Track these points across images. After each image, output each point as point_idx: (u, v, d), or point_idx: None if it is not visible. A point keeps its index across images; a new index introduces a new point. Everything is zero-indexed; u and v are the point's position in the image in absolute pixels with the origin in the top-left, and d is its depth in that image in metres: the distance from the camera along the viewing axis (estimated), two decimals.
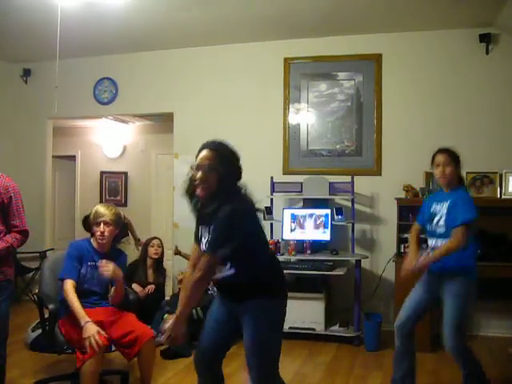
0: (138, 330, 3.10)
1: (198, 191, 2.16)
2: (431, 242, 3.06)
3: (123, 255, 3.43)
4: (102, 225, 3.19)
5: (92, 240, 3.29)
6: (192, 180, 2.21)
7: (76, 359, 2.91)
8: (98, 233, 3.20)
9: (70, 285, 3.09)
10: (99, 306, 3.20)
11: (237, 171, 2.23)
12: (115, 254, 3.34)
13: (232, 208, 2.09)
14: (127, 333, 3.07)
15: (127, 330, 3.09)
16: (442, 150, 3.03)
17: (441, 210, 2.99)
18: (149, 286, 4.74)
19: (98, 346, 2.82)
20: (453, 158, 3.00)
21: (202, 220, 2.27)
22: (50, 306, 3.04)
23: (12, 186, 2.88)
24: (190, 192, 2.25)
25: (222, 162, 2.15)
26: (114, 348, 3.12)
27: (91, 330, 2.87)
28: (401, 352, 3.08)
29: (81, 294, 3.12)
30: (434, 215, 3.02)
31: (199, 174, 2.14)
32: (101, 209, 3.24)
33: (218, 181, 2.13)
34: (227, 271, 2.19)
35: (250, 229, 2.17)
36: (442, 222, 2.95)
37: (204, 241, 2.23)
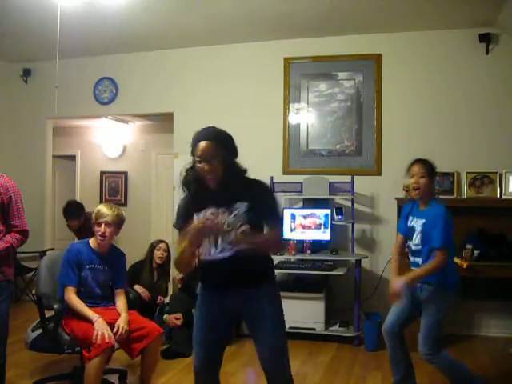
0: (148, 326, 3.13)
1: (208, 181, 2.20)
2: (411, 258, 3.06)
3: (122, 256, 3.42)
4: (103, 225, 3.17)
5: (91, 241, 3.27)
6: (195, 172, 2.24)
7: (76, 358, 2.91)
8: (99, 233, 3.18)
9: (71, 292, 3.10)
10: (102, 305, 3.21)
11: (235, 151, 2.30)
12: (114, 255, 3.33)
13: (264, 183, 2.28)
14: (137, 328, 3.09)
15: (137, 325, 3.11)
16: (418, 161, 3.01)
17: (416, 226, 2.97)
18: (161, 298, 4.70)
19: (105, 339, 2.84)
20: (428, 169, 2.97)
21: (209, 204, 2.19)
22: (55, 306, 3.05)
23: (12, 185, 2.88)
24: (189, 181, 2.28)
25: (222, 148, 2.22)
26: (116, 346, 3.12)
27: (102, 324, 2.92)
28: (393, 356, 3.11)
29: (83, 296, 3.13)
30: (412, 231, 3.01)
31: (205, 166, 2.18)
32: (103, 209, 3.22)
33: (223, 166, 2.20)
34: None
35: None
36: (417, 241, 2.95)
37: (227, 218, 2.15)
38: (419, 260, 2.97)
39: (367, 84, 5.02)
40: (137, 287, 4.63)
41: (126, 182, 7.39)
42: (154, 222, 7.05)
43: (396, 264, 3.10)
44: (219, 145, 2.22)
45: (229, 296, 2.27)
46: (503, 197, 4.56)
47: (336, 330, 4.57)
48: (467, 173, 4.64)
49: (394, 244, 3.23)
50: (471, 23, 4.62)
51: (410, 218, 3.06)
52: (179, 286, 4.74)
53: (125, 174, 7.41)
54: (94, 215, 3.22)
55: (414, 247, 3.00)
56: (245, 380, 3.70)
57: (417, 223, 2.97)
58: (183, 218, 2.23)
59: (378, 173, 4.98)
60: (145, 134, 7.34)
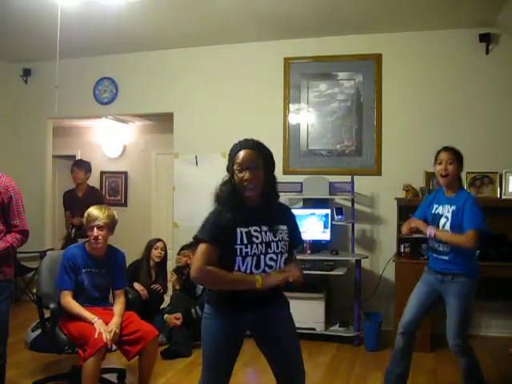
0: (143, 329, 3.11)
1: (247, 192, 2.12)
2: (433, 244, 3.04)
3: (121, 254, 3.39)
4: (95, 229, 3.14)
5: (87, 245, 3.25)
6: (231, 183, 2.14)
7: (75, 358, 2.91)
8: (92, 237, 3.15)
9: (67, 296, 3.11)
10: (100, 306, 3.21)
11: (274, 166, 2.22)
12: (112, 257, 3.31)
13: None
14: (133, 331, 3.08)
15: (133, 328, 3.10)
16: (446, 148, 3.04)
17: (444, 213, 2.98)
18: (156, 286, 4.73)
19: (103, 339, 2.87)
20: (456, 156, 3.00)
21: (250, 220, 2.13)
22: (51, 306, 3.05)
23: (12, 185, 2.88)
24: (225, 196, 2.14)
25: (263, 160, 2.15)
26: (114, 348, 3.12)
27: (101, 325, 2.95)
28: (402, 350, 3.09)
29: (81, 298, 3.14)
30: (437, 217, 3.00)
31: (246, 174, 2.09)
32: (94, 212, 3.18)
33: (265, 179, 2.14)
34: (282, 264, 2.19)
35: None
36: (447, 227, 2.95)
37: (270, 240, 2.13)
38: (445, 247, 2.94)
39: (367, 84, 5.02)
40: (136, 285, 4.65)
41: (126, 182, 7.39)
42: (154, 222, 7.05)
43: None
44: (261, 155, 2.14)
45: (245, 315, 2.18)
46: (503, 197, 4.56)
47: (336, 330, 4.57)
48: (467, 173, 4.63)
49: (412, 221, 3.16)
50: (471, 23, 4.62)
51: (435, 205, 3.05)
52: (177, 287, 4.74)
53: (125, 173, 7.40)
54: (85, 220, 3.20)
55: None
56: (245, 380, 3.70)
57: (445, 210, 2.97)
58: (221, 231, 2.08)
59: (378, 173, 4.98)
60: (145, 134, 7.34)
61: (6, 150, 5.95)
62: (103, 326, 2.95)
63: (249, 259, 2.09)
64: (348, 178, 4.78)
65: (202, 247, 2.10)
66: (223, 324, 2.16)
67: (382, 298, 4.79)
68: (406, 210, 4.62)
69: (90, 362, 2.82)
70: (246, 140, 2.17)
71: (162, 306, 4.81)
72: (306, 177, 4.96)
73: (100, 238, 3.15)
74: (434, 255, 3.05)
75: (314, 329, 4.50)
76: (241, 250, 2.08)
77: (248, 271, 2.09)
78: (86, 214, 3.21)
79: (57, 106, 4.44)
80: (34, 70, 6.02)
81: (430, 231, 2.95)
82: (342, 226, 4.86)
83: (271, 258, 2.13)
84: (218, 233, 2.09)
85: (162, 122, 6.46)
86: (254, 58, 5.32)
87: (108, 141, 7.47)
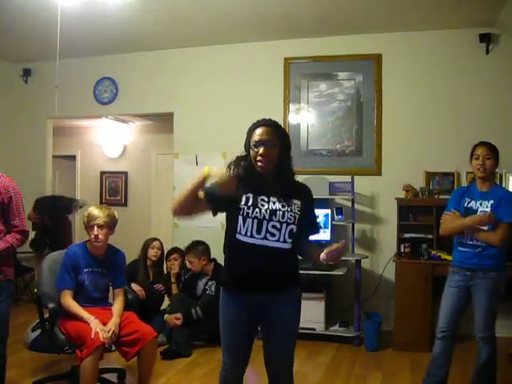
0: (142, 330, 3.11)
1: (260, 164, 2.15)
2: (466, 239, 3.01)
3: (121, 254, 3.40)
4: (95, 228, 3.14)
5: (88, 244, 3.25)
6: (245, 158, 2.21)
7: (75, 358, 2.92)
8: (93, 236, 3.15)
9: (67, 295, 3.11)
10: (100, 306, 3.22)
11: (289, 147, 2.27)
12: (112, 256, 3.32)
13: (310, 189, 2.35)
14: (131, 332, 3.08)
15: (131, 329, 3.10)
16: (482, 143, 3.03)
17: (481, 208, 2.96)
18: (159, 286, 4.73)
19: (99, 338, 2.88)
20: (493, 151, 2.99)
21: (261, 189, 2.19)
22: (50, 305, 3.06)
23: (12, 185, 2.88)
24: (245, 165, 2.20)
25: (279, 138, 2.19)
26: (113, 348, 3.12)
27: (97, 324, 2.96)
28: (442, 357, 3.05)
29: (81, 298, 3.15)
30: (471, 211, 2.98)
31: (261, 150, 2.14)
32: (94, 211, 3.18)
33: (279, 156, 2.18)
34: (287, 243, 2.17)
35: None
36: None
37: (278, 208, 2.17)
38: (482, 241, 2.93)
39: (367, 84, 5.02)
40: (133, 286, 4.65)
41: (126, 182, 7.39)
42: (153, 222, 7.05)
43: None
44: (277, 133, 2.19)
45: (254, 296, 2.19)
46: None
47: (336, 329, 4.57)
48: (467, 173, 4.63)
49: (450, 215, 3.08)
50: (471, 23, 4.62)
51: (467, 199, 3.03)
52: (172, 280, 4.73)
53: (125, 173, 7.41)
54: (85, 219, 3.21)
55: (477, 227, 2.96)
56: (245, 380, 3.69)
57: (481, 204, 2.96)
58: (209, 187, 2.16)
59: (378, 173, 4.97)
60: (145, 134, 7.34)
61: (6, 150, 5.95)
62: (99, 326, 2.96)
63: (249, 221, 2.13)
64: (348, 178, 4.78)
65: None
66: (234, 305, 2.23)
67: (382, 298, 4.79)
68: (405, 209, 4.63)
69: (88, 361, 2.83)
70: (264, 119, 2.24)
71: (162, 307, 4.81)
72: (306, 177, 4.93)
73: (100, 236, 3.15)
74: (465, 249, 3.00)
75: (314, 329, 4.50)
76: (243, 210, 2.14)
77: (248, 234, 2.13)
78: (86, 214, 3.22)
79: (57, 106, 4.44)
80: (34, 70, 6.02)
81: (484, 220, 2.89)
82: (342, 226, 4.86)
83: (274, 226, 2.14)
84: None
85: (162, 121, 6.46)
86: (254, 58, 5.32)
87: (108, 141, 7.48)
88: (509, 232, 2.86)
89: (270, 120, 2.24)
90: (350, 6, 4.35)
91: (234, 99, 5.36)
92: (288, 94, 5.21)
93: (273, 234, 2.14)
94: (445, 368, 3.06)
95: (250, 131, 2.21)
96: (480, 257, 2.93)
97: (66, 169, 7.75)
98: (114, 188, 7.44)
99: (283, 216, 2.15)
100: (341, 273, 4.52)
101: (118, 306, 3.22)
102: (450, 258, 3.50)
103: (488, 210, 2.93)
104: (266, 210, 2.15)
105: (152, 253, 4.80)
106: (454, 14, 4.48)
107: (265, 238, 2.13)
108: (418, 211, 4.63)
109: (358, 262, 4.56)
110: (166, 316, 4.37)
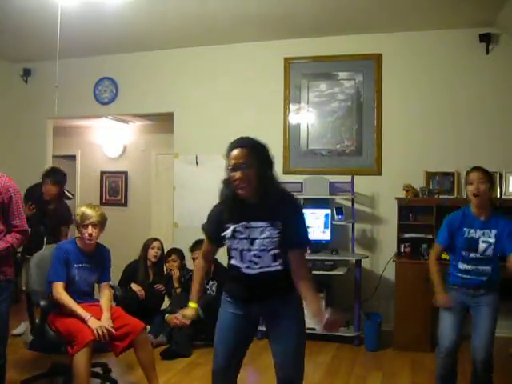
0: (130, 323, 3.19)
1: (240, 191, 2.13)
2: (465, 266, 2.98)
3: (107, 250, 3.49)
4: (90, 227, 3.25)
5: (77, 240, 3.34)
6: (229, 181, 2.17)
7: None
8: (86, 235, 3.25)
9: (61, 287, 3.17)
10: (88, 302, 3.27)
11: (270, 162, 2.21)
12: (100, 253, 3.41)
13: (297, 200, 2.23)
14: (120, 326, 3.15)
15: (120, 323, 3.17)
16: (477, 168, 3.01)
17: (483, 238, 2.92)
18: (160, 286, 4.74)
19: (104, 335, 2.97)
20: (488, 176, 2.96)
21: (241, 217, 2.19)
22: (42, 303, 3.10)
23: (12, 185, 2.88)
24: (226, 193, 2.22)
25: (256, 157, 2.13)
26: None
27: (96, 323, 3.02)
28: (446, 377, 3.04)
29: (70, 293, 3.19)
30: (473, 241, 2.93)
31: (237, 174, 2.11)
32: (88, 211, 3.29)
33: (257, 176, 2.12)
34: (273, 266, 2.18)
35: None
36: (489, 252, 2.90)
37: (255, 237, 2.16)
38: (486, 268, 2.92)
39: (367, 84, 5.02)
40: (133, 286, 4.65)
41: (126, 182, 7.39)
42: (154, 222, 7.05)
43: (439, 275, 3.00)
44: (253, 153, 2.13)
45: (252, 306, 2.24)
46: (503, 197, 4.56)
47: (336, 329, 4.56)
48: (467, 172, 4.63)
49: (433, 255, 3.06)
50: (471, 23, 4.62)
51: (466, 229, 2.96)
52: (176, 285, 4.74)
53: (125, 173, 7.41)
54: (78, 218, 3.29)
55: (480, 256, 2.93)
56: (245, 380, 3.69)
57: (483, 234, 2.92)
58: (213, 225, 2.27)
59: (378, 173, 4.97)
60: (145, 134, 7.34)
61: (6, 150, 5.95)
62: (97, 324, 3.03)
63: (234, 253, 2.22)
64: (348, 178, 4.78)
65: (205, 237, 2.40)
66: (230, 308, 2.29)
67: (382, 298, 4.79)
68: (406, 209, 4.63)
69: (79, 357, 2.88)
70: (240, 138, 2.19)
71: (162, 307, 4.81)
72: (306, 177, 4.96)
73: (94, 234, 3.26)
74: (467, 276, 2.99)
75: (314, 329, 4.49)
76: (228, 243, 2.22)
77: (237, 264, 2.22)
78: (79, 213, 3.30)
79: (57, 106, 4.44)
80: (34, 70, 6.02)
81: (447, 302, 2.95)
82: (342, 226, 4.86)
83: (255, 255, 2.17)
84: (211, 227, 2.29)
85: (162, 121, 6.46)
86: (254, 57, 5.32)
87: (108, 141, 7.48)
88: None
89: (245, 139, 2.19)
90: (350, 6, 4.34)
91: (234, 99, 5.36)
92: (288, 94, 5.21)
93: (255, 263, 2.17)
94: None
95: (227, 153, 2.17)
96: (486, 282, 2.94)
97: (66, 169, 7.69)
98: (114, 188, 7.44)
99: (262, 244, 2.15)
100: (341, 273, 4.52)
101: (105, 300, 3.31)
102: None
103: (491, 240, 2.90)
104: (245, 239, 2.17)
105: (152, 253, 4.80)
106: (453, 14, 4.48)
107: (248, 267, 2.19)
108: (418, 211, 4.63)
109: (358, 261, 4.56)
110: (166, 316, 4.37)
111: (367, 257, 4.78)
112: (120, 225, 6.98)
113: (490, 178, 2.97)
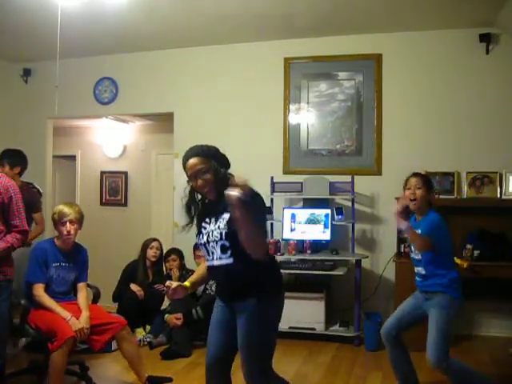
0: (111, 320, 3.26)
1: (207, 195, 2.33)
2: (415, 268, 3.12)
3: (84, 250, 3.52)
4: (68, 224, 3.28)
5: (56, 239, 3.36)
6: (193, 190, 2.37)
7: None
8: (65, 232, 3.28)
9: (41, 289, 3.21)
10: (65, 300, 3.32)
11: (224, 160, 2.36)
12: (77, 251, 3.44)
13: (254, 191, 2.20)
14: (100, 323, 3.21)
15: (100, 320, 3.23)
16: (415, 174, 3.14)
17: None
18: (160, 286, 4.74)
19: (85, 335, 3.08)
20: (425, 181, 3.08)
21: (204, 214, 2.38)
22: (23, 302, 3.14)
23: (12, 186, 2.88)
24: (191, 201, 2.40)
25: (210, 161, 2.28)
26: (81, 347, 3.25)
27: (77, 323, 3.09)
28: (392, 358, 3.16)
29: (48, 293, 3.23)
30: (408, 241, 3.11)
31: (198, 182, 2.28)
32: (65, 208, 3.32)
33: (215, 177, 2.27)
34: (225, 259, 2.26)
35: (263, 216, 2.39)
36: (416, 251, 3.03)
37: (211, 229, 2.30)
38: (420, 269, 3.05)
39: (367, 84, 5.02)
40: (132, 286, 4.65)
41: (126, 182, 7.38)
42: (154, 222, 7.04)
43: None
44: (206, 158, 2.28)
45: (228, 303, 2.37)
46: (503, 197, 4.56)
47: (336, 329, 4.57)
48: (467, 173, 4.64)
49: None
50: (471, 23, 4.62)
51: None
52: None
53: (125, 173, 7.40)
54: (56, 216, 3.31)
55: (415, 256, 3.07)
56: (244, 380, 3.69)
57: None
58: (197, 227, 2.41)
59: (378, 173, 4.97)
60: (145, 134, 7.33)
61: None
62: (78, 325, 3.08)
63: (202, 248, 2.38)
64: (348, 178, 4.78)
65: None
66: (217, 304, 2.44)
67: (382, 298, 4.79)
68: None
69: (57, 354, 2.93)
70: (190, 149, 2.35)
71: (162, 307, 4.81)
72: (306, 177, 4.96)
73: (72, 232, 3.30)
74: (416, 278, 3.13)
75: (314, 329, 4.50)
76: (197, 241, 2.40)
77: (206, 258, 2.37)
78: (56, 211, 3.33)
79: (57, 106, 4.44)
80: (34, 69, 6.02)
81: (401, 225, 2.95)
82: (342, 226, 4.86)
83: (212, 246, 2.30)
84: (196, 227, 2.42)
85: (162, 121, 6.45)
86: (254, 57, 5.32)
87: (108, 141, 7.47)
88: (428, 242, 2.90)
89: (194, 148, 2.33)
90: (350, 6, 4.34)
91: (234, 99, 5.35)
92: (288, 94, 5.21)
93: (212, 253, 2.31)
94: (403, 363, 3.15)
95: (183, 165, 2.34)
96: (426, 282, 3.02)
97: (66, 169, 7.74)
98: (114, 188, 7.43)
99: (212, 235, 2.29)
100: (341, 273, 4.52)
101: (83, 299, 3.35)
102: None
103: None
104: (206, 234, 2.32)
105: (151, 253, 4.80)
106: (453, 14, 4.48)
107: (212, 259, 2.32)
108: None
109: (358, 261, 4.56)
110: (166, 316, 4.37)
111: (367, 257, 4.78)
112: (120, 225, 6.98)
113: (427, 183, 3.08)
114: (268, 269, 2.32)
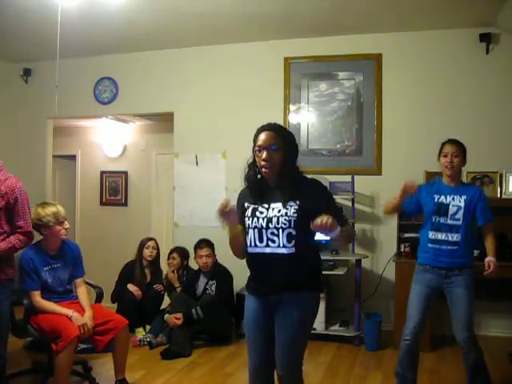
0: (114, 319, 3.25)
1: (264, 170, 2.23)
2: (434, 234, 3.03)
3: (75, 245, 3.52)
4: (65, 222, 3.31)
5: (40, 243, 3.32)
6: (253, 164, 2.28)
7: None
8: (63, 231, 3.28)
9: (38, 296, 3.19)
10: (66, 300, 3.31)
11: (295, 149, 2.33)
12: (66, 248, 3.40)
13: (319, 181, 2.28)
14: (103, 322, 3.20)
15: (103, 319, 3.22)
16: (451, 141, 3.07)
17: (452, 202, 3.00)
18: (159, 286, 4.75)
19: (89, 331, 3.06)
20: (462, 149, 3.05)
21: (262, 197, 2.28)
22: (25, 302, 3.13)
23: (18, 187, 2.89)
24: (250, 175, 2.31)
25: (283, 142, 2.23)
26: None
27: (80, 319, 3.10)
28: (409, 359, 3.04)
29: (47, 296, 3.23)
30: (443, 206, 3.00)
31: (264, 155, 2.20)
32: (59, 208, 3.31)
33: (282, 159, 2.22)
34: (288, 247, 2.18)
35: None
36: (459, 215, 2.97)
37: (274, 215, 2.20)
38: (456, 236, 2.97)
39: (367, 84, 5.02)
40: (129, 286, 4.65)
41: (126, 182, 7.38)
42: (154, 222, 7.04)
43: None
44: (280, 137, 2.23)
45: (270, 297, 2.26)
46: (503, 197, 4.56)
47: (336, 329, 4.57)
48: (467, 172, 4.63)
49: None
50: (471, 23, 4.62)
51: (436, 196, 3.06)
52: (176, 285, 4.74)
53: (125, 173, 7.40)
54: (50, 219, 3.23)
55: (450, 222, 2.99)
56: (245, 380, 3.69)
57: (453, 199, 3.01)
58: (239, 208, 2.32)
59: (378, 172, 4.98)
60: (145, 134, 7.33)
61: (6, 149, 5.94)
62: (81, 321, 3.08)
63: (251, 232, 2.24)
64: (348, 178, 4.78)
65: None
66: (254, 303, 2.31)
67: (382, 298, 4.79)
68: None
69: (63, 354, 2.92)
70: (268, 123, 2.29)
71: (161, 307, 4.81)
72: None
73: (68, 227, 3.33)
74: (437, 246, 3.02)
75: (314, 329, 4.48)
76: (247, 222, 2.26)
77: (252, 244, 2.24)
78: (50, 214, 3.25)
79: (57, 105, 4.44)
80: (34, 70, 6.02)
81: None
82: None
83: (273, 233, 2.20)
84: (238, 210, 2.29)
85: (162, 121, 6.45)
86: (254, 57, 5.32)
87: (108, 141, 7.47)
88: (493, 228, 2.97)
89: (274, 124, 2.28)
90: (350, 5, 4.34)
91: (235, 99, 5.35)
92: (288, 94, 5.21)
93: (273, 241, 2.20)
94: (414, 365, 3.05)
95: (255, 137, 2.27)
96: (457, 253, 2.97)
97: (66, 169, 7.74)
98: (114, 188, 7.42)
99: (278, 222, 2.19)
100: (341, 273, 4.52)
101: (84, 295, 3.35)
102: None
103: (461, 204, 2.98)
104: (263, 219, 2.22)
105: (147, 252, 4.79)
106: (454, 14, 4.48)
107: (267, 245, 2.21)
108: None
109: (358, 261, 4.56)
110: (166, 316, 4.37)
111: (367, 257, 4.78)
112: (120, 225, 6.98)
113: (463, 151, 3.07)
114: (319, 262, 2.40)
